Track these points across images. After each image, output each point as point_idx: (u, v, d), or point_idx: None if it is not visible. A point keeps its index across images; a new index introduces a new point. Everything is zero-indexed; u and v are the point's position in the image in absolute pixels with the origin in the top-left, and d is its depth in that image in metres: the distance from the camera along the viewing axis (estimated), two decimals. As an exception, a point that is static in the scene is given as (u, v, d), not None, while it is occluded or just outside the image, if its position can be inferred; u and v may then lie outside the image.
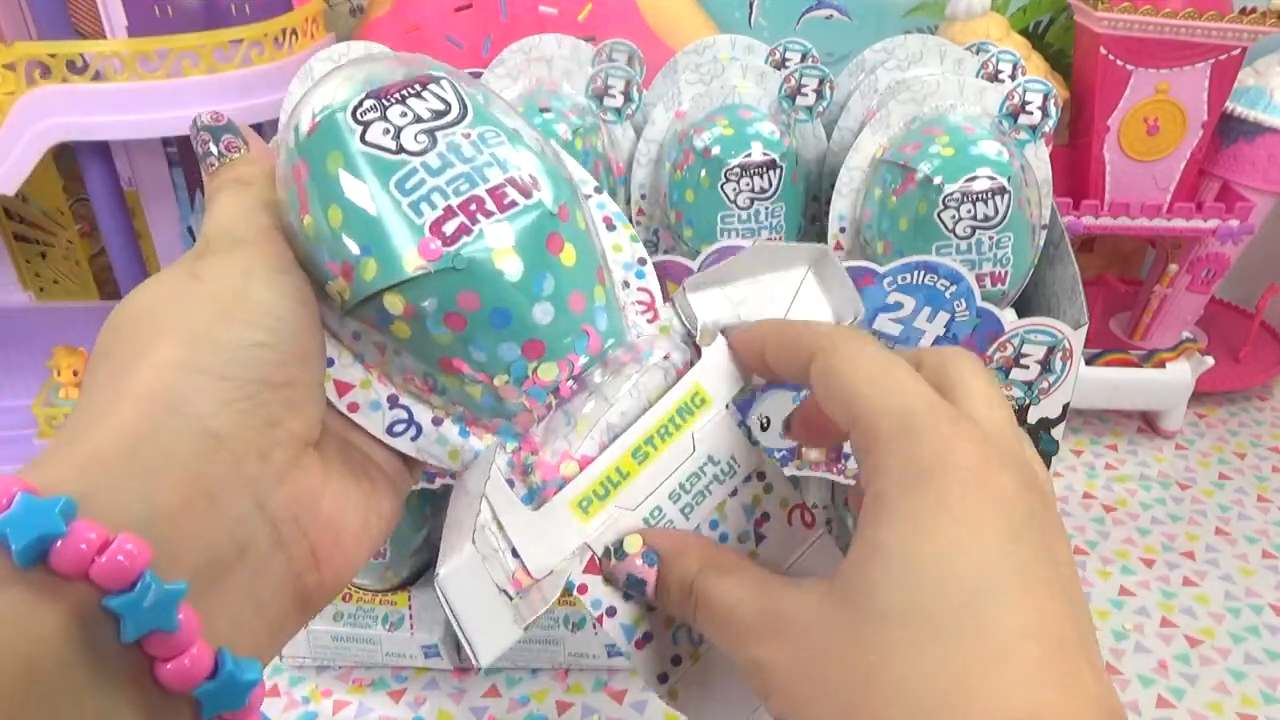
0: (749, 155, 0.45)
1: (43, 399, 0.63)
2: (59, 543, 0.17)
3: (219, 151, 0.25)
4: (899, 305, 0.41)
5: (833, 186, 0.46)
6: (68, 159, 0.73)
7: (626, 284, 0.27)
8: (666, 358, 0.26)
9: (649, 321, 0.27)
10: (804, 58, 0.52)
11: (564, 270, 0.24)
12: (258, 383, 0.21)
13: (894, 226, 0.43)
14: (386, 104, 0.23)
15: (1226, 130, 0.62)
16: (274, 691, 0.50)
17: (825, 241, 0.47)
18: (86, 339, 0.65)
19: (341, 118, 0.23)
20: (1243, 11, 0.56)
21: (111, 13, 0.57)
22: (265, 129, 0.64)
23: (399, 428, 0.25)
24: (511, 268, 0.23)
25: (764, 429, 0.45)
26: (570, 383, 0.25)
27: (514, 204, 0.23)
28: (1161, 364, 0.66)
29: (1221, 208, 0.62)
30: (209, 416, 0.20)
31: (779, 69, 0.50)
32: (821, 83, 0.46)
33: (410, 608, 0.50)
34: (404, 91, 0.24)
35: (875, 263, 0.41)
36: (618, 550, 0.25)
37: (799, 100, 0.47)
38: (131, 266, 0.61)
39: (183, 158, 0.73)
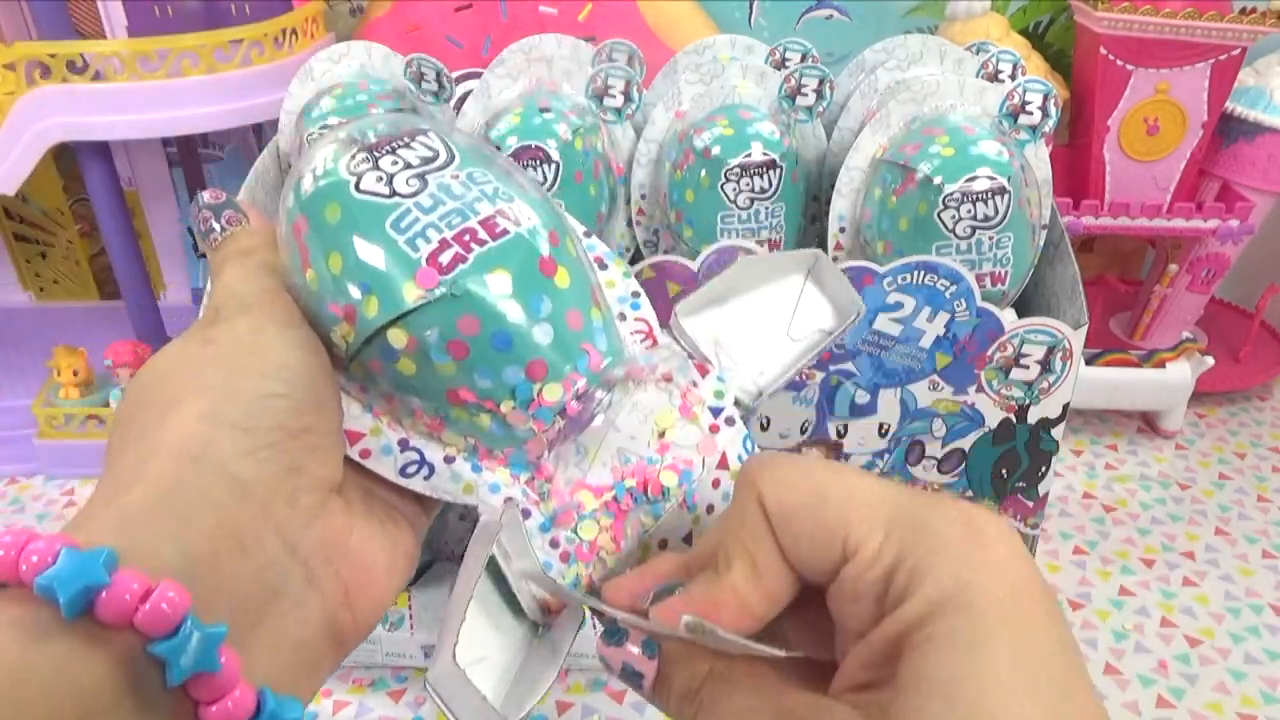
0: (749, 155, 0.45)
1: (43, 399, 0.63)
2: (104, 593, 0.18)
3: (221, 227, 0.26)
4: (899, 305, 0.41)
5: (833, 186, 0.46)
6: (68, 159, 0.73)
7: (623, 316, 0.28)
8: (669, 379, 0.27)
9: (648, 349, 0.28)
10: (804, 58, 0.52)
11: (559, 292, 0.25)
12: (277, 430, 0.22)
13: (894, 226, 0.43)
14: (378, 155, 0.25)
15: (1226, 130, 0.62)
16: (274, 691, 0.50)
17: (825, 241, 0.47)
18: (86, 339, 0.65)
19: (336, 173, 0.25)
20: (1243, 11, 0.56)
21: (111, 13, 0.57)
22: (265, 129, 0.64)
23: (411, 469, 0.26)
24: (508, 291, 0.24)
25: (764, 429, 0.45)
26: (575, 401, 0.25)
27: (505, 231, 0.24)
28: (1161, 364, 0.66)
29: (1221, 208, 0.62)
30: (233, 464, 0.21)
31: (779, 69, 0.50)
32: (821, 83, 0.46)
33: (410, 608, 0.50)
34: (394, 144, 0.25)
35: (875, 263, 0.41)
36: (614, 634, 0.24)
37: (799, 100, 0.47)
38: (132, 266, 0.61)
39: (182, 158, 0.73)
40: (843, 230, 0.46)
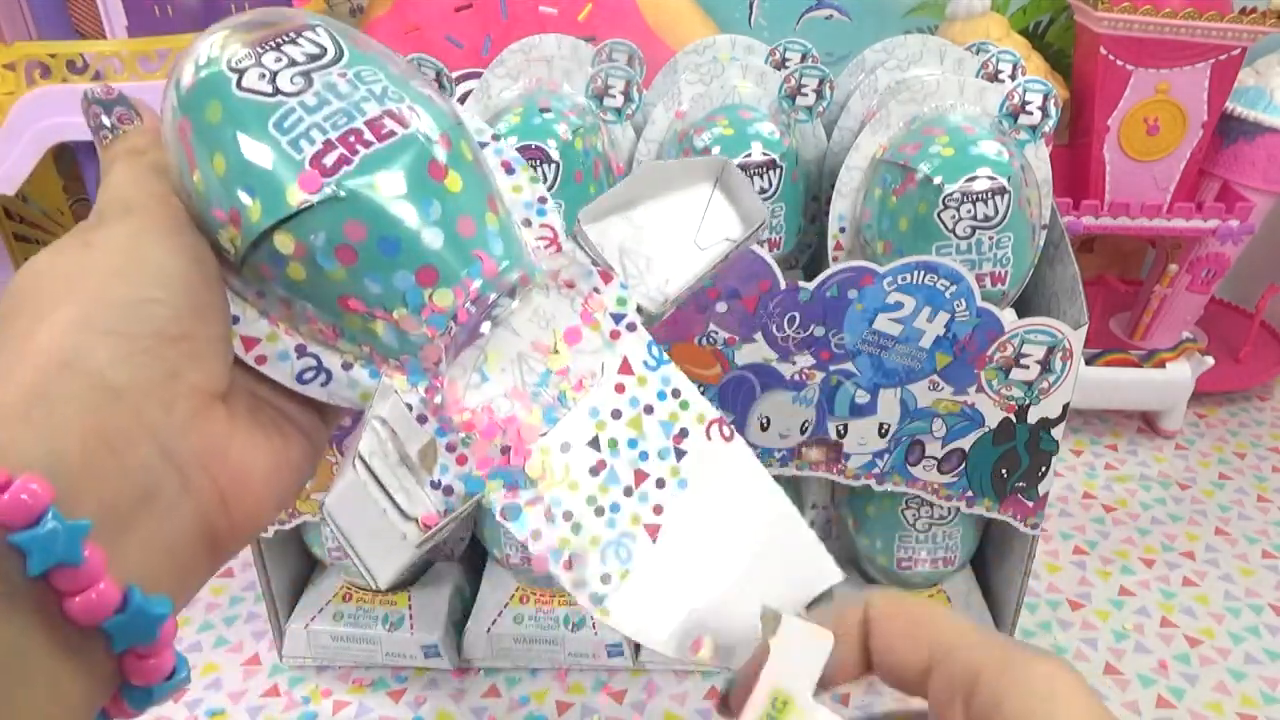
0: (749, 155, 0.45)
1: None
2: None
3: (111, 124, 0.26)
4: (899, 305, 0.41)
5: (833, 186, 0.46)
6: (68, 159, 0.73)
7: (528, 222, 0.28)
8: (571, 286, 0.26)
9: (551, 255, 0.27)
10: (804, 58, 0.52)
11: (450, 196, 0.24)
12: (153, 336, 0.22)
13: (894, 226, 0.43)
14: (261, 51, 0.24)
15: (1226, 130, 0.62)
16: (274, 691, 0.50)
17: (825, 241, 0.47)
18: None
19: (217, 70, 0.24)
20: (1243, 11, 0.56)
21: (111, 13, 0.57)
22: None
23: (308, 375, 0.25)
24: (395, 194, 0.23)
25: (764, 429, 0.45)
26: (469, 307, 0.25)
27: (392, 133, 0.24)
28: (1161, 364, 0.66)
29: (1221, 208, 0.62)
30: (106, 370, 0.21)
31: (779, 69, 0.50)
32: (821, 83, 0.46)
33: (410, 608, 0.50)
34: (278, 39, 0.24)
35: (875, 263, 0.41)
36: None
37: (799, 100, 0.47)
38: (131, 266, 0.61)
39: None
40: (843, 230, 0.46)
